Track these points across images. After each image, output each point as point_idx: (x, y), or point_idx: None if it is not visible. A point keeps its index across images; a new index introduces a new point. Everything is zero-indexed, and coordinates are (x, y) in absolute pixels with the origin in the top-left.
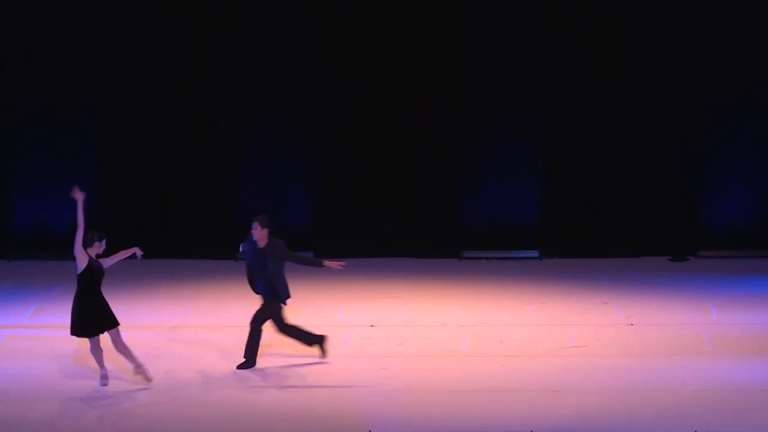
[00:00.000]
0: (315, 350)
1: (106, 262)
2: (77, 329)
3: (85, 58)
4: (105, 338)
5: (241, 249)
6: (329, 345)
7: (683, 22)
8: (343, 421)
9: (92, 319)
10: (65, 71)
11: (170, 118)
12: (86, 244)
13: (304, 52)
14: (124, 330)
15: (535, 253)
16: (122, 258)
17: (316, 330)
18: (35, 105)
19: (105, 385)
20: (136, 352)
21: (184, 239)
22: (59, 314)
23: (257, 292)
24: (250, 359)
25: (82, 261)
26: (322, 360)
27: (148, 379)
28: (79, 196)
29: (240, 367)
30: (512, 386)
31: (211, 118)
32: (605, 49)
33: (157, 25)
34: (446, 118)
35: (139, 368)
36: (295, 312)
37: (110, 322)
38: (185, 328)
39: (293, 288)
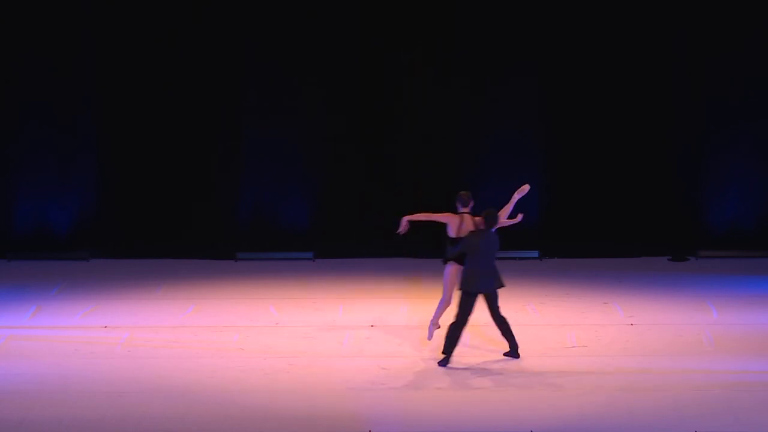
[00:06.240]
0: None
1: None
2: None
3: (85, 58)
4: None
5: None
6: (331, 345)
7: (684, 22)
8: (343, 421)
9: None
10: (65, 72)
11: (170, 118)
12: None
13: (304, 52)
14: (123, 330)
15: (535, 253)
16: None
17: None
18: (35, 105)
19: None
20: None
21: (184, 239)
22: (59, 314)
23: (482, 289)
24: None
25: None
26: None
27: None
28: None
29: (508, 354)
30: (512, 386)
31: (211, 117)
32: (605, 51)
33: (157, 25)
34: (446, 118)
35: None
36: (295, 312)
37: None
38: (185, 328)
39: (290, 287)
